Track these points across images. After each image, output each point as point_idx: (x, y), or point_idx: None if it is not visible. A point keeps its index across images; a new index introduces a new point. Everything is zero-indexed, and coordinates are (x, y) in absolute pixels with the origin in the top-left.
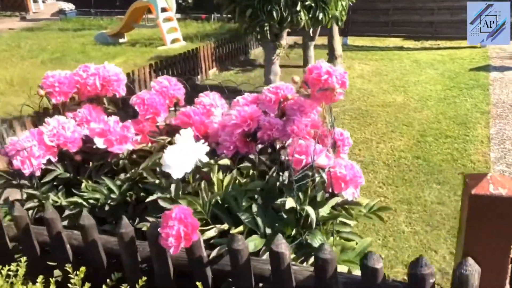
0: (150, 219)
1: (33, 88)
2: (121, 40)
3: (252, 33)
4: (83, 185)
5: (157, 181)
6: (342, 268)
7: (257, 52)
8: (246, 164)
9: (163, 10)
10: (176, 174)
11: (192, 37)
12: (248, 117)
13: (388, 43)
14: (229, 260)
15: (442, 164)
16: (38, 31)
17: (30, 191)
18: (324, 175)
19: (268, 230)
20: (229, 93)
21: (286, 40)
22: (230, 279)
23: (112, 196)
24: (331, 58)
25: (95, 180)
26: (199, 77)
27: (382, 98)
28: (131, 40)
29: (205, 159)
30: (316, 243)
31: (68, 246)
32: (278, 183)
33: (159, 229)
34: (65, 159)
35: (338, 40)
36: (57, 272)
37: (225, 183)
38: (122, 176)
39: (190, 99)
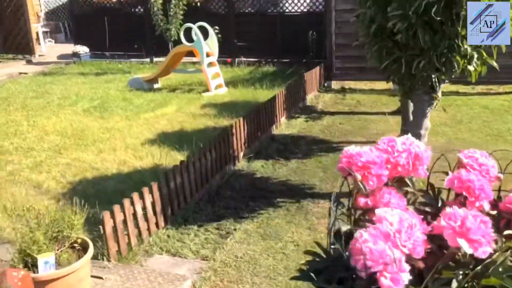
0: None
1: (97, 142)
2: (155, 86)
3: (408, 84)
4: None
5: None
6: None
7: (311, 98)
8: None
9: (206, 55)
10: None
11: (231, 82)
12: None
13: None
14: None
15: None
16: (56, 76)
17: None
18: None
19: None
20: (323, 143)
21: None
22: None
23: None
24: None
25: None
26: (274, 127)
27: (492, 148)
28: (165, 85)
29: None
30: None
31: None
32: None
33: None
34: None
35: None
36: None
37: None
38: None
39: (280, 153)
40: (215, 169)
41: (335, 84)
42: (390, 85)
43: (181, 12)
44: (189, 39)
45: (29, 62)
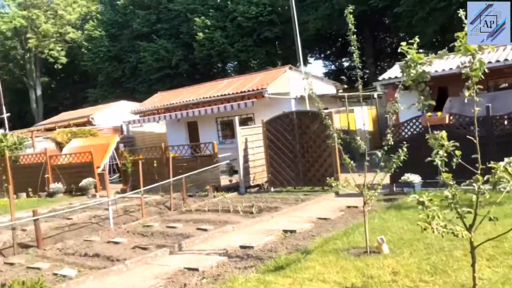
0: None
1: None
2: None
3: None
4: None
5: None
6: None
7: None
8: None
9: None
10: None
11: None
12: None
13: None
14: None
15: None
16: (414, 210)
17: None
18: None
19: None
20: None
21: None
22: None
23: None
24: None
25: None
26: None
27: None
28: None
29: None
30: None
31: None
32: None
33: None
34: None
35: None
36: None
37: None
38: None
39: None
40: None
41: None
42: None
43: None
44: None
45: (337, 194)
